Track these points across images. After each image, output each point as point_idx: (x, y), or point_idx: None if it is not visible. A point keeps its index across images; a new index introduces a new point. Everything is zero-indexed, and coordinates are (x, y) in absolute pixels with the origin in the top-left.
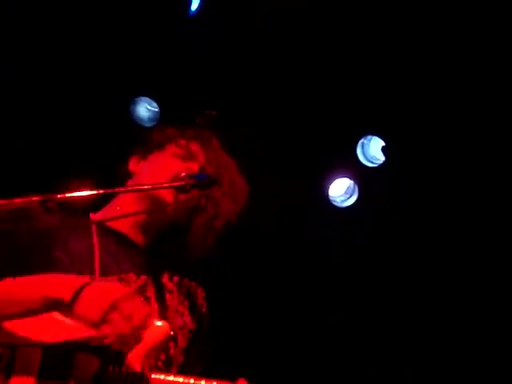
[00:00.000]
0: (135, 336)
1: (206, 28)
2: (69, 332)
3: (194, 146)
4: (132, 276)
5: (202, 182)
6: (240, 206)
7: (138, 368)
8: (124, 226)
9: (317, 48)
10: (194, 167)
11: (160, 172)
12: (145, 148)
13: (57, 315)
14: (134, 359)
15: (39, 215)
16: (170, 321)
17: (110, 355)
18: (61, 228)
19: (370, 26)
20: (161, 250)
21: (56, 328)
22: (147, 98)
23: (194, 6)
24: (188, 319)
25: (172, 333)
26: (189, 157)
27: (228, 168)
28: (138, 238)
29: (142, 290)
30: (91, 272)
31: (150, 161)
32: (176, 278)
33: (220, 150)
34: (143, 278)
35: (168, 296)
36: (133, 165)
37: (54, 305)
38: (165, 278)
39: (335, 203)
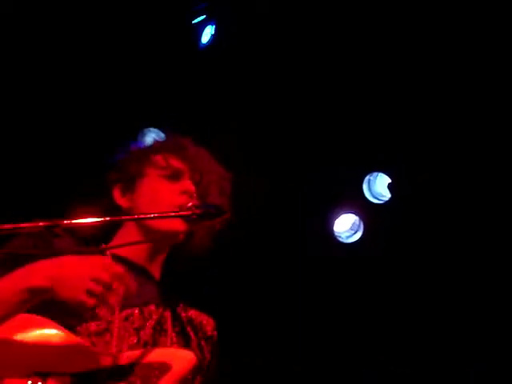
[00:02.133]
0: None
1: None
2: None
3: (173, 160)
4: (153, 308)
5: (209, 212)
6: (229, 195)
7: None
8: (139, 258)
9: (322, 86)
10: (186, 185)
11: (157, 201)
12: (124, 179)
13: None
14: None
15: (55, 242)
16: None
17: None
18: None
19: (380, 62)
20: (172, 280)
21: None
22: (155, 129)
23: (205, 38)
24: (207, 351)
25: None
26: (175, 175)
27: (209, 164)
28: (152, 269)
29: (160, 323)
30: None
31: (140, 192)
32: (188, 309)
33: (193, 146)
34: (160, 310)
35: (189, 328)
36: (119, 199)
37: (37, 294)
38: (181, 311)
39: (340, 239)
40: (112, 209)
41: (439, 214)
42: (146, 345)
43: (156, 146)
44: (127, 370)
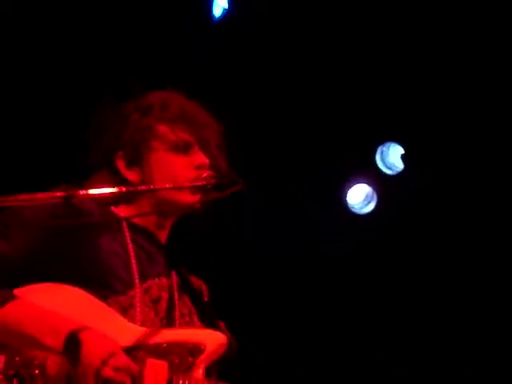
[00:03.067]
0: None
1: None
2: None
3: (180, 132)
4: (164, 280)
5: (224, 183)
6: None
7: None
8: (149, 223)
9: (338, 54)
10: (199, 158)
11: (172, 177)
12: (127, 150)
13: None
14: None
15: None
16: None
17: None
18: (94, 224)
19: (392, 33)
20: (176, 245)
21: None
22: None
23: (218, 11)
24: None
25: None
26: (185, 148)
27: (210, 126)
28: (160, 234)
29: (171, 296)
30: (130, 275)
31: (150, 167)
32: (189, 275)
33: (193, 107)
34: (170, 281)
35: (192, 298)
36: (125, 171)
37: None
38: (185, 278)
39: (354, 210)
40: (115, 178)
41: (453, 185)
42: (162, 319)
43: (158, 115)
44: (165, 347)
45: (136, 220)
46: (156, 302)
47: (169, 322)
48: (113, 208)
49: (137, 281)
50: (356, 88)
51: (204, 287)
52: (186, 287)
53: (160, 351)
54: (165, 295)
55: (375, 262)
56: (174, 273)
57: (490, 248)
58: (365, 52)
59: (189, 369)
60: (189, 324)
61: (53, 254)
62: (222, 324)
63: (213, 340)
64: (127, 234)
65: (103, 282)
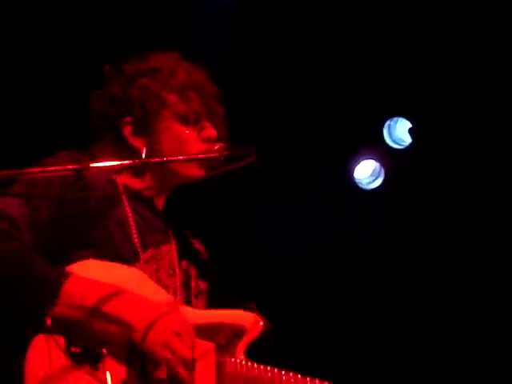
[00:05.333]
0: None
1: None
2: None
3: (191, 101)
4: (164, 249)
5: (237, 155)
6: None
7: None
8: (149, 191)
9: (343, 29)
10: (209, 131)
11: (181, 149)
12: (135, 116)
13: None
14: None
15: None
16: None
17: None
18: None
19: (399, 9)
20: (175, 211)
21: None
22: None
23: None
24: None
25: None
26: (195, 119)
27: (216, 96)
28: (158, 200)
29: (171, 264)
30: (132, 245)
31: (159, 137)
32: (188, 235)
33: (199, 73)
34: (169, 248)
35: (191, 262)
36: (131, 138)
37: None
38: (183, 241)
39: (361, 185)
40: (119, 143)
41: (460, 159)
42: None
43: (166, 81)
44: (211, 329)
45: (133, 185)
46: (157, 271)
47: (170, 290)
48: (115, 176)
49: (140, 251)
50: (361, 63)
51: (201, 246)
52: (187, 251)
53: (206, 332)
54: (164, 265)
55: (376, 251)
56: (173, 239)
57: (493, 239)
58: (372, 26)
59: (233, 351)
60: (194, 292)
61: (67, 224)
62: (252, 304)
63: (250, 321)
64: (127, 202)
65: (114, 255)
